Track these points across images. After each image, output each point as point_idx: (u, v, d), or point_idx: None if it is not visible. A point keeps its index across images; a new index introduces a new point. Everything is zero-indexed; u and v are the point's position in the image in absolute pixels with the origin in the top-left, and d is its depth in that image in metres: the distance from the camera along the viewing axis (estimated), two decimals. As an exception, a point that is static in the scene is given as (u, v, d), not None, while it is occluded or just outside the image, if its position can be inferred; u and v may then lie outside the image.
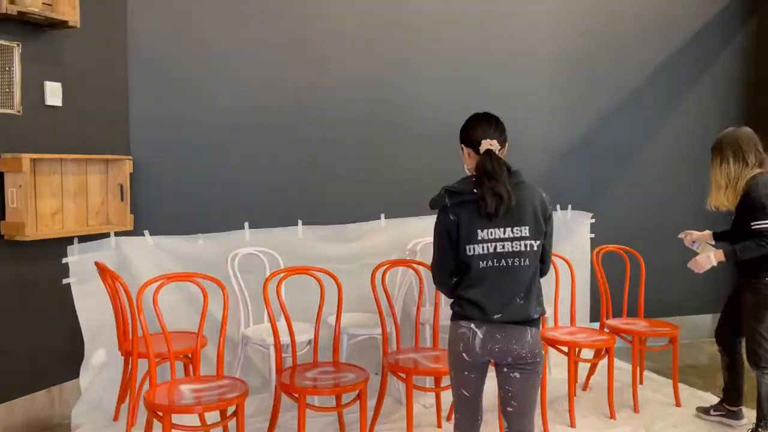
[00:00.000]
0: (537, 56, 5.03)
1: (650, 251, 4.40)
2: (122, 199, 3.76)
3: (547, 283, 4.26)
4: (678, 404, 3.95)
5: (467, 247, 2.23)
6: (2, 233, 3.31)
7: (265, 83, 4.25)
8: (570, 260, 4.21)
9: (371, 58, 4.55)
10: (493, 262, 2.22)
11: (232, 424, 2.95)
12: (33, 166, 3.34)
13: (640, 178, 5.39)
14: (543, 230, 2.30)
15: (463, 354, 2.30)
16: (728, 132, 3.44)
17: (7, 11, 3.11)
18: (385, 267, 3.62)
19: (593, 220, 5.17)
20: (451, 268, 2.32)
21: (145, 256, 3.88)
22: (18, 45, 3.31)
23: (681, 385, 4.06)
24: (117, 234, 3.82)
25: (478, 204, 2.19)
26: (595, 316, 4.84)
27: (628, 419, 3.76)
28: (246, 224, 4.20)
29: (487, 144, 2.30)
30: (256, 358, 4.09)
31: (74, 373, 3.67)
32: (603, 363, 4.02)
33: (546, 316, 4.11)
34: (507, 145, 2.39)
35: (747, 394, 3.72)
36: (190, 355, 3.40)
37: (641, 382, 4.22)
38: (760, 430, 3.39)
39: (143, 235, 3.91)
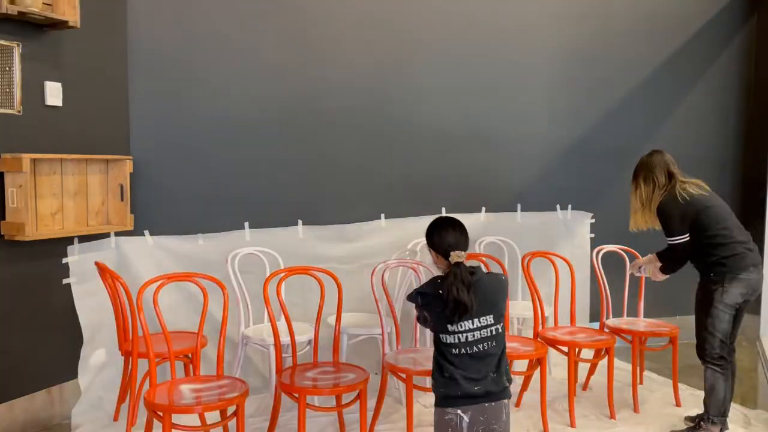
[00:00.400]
0: (537, 56, 5.03)
1: (650, 251, 4.39)
2: (122, 199, 3.76)
3: (547, 283, 4.30)
4: (678, 404, 3.95)
5: (441, 336, 2.46)
6: (2, 233, 3.31)
7: (265, 83, 4.25)
8: (570, 260, 4.21)
9: (372, 58, 4.55)
10: (466, 350, 2.44)
11: (232, 424, 2.95)
12: (33, 166, 3.34)
13: (640, 178, 5.38)
14: (503, 312, 2.53)
15: None
16: (641, 158, 3.66)
17: (7, 11, 3.11)
18: (385, 267, 3.62)
19: (593, 220, 5.17)
20: None
21: (145, 256, 3.88)
22: (18, 45, 3.31)
23: (681, 385, 4.06)
24: (117, 234, 3.82)
25: (445, 305, 2.42)
26: (595, 316, 4.84)
27: (628, 419, 3.76)
28: (246, 224, 4.20)
29: (456, 257, 2.46)
30: (256, 358, 4.09)
31: (74, 373, 3.67)
32: (603, 363, 4.02)
33: (547, 316, 4.15)
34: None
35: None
36: (190, 355, 3.40)
37: (641, 382, 4.22)
38: (702, 423, 3.41)
39: (143, 235, 3.91)
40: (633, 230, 3.68)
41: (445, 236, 2.52)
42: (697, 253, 3.39)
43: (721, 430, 3.39)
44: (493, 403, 2.46)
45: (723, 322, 3.31)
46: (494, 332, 2.48)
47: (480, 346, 2.46)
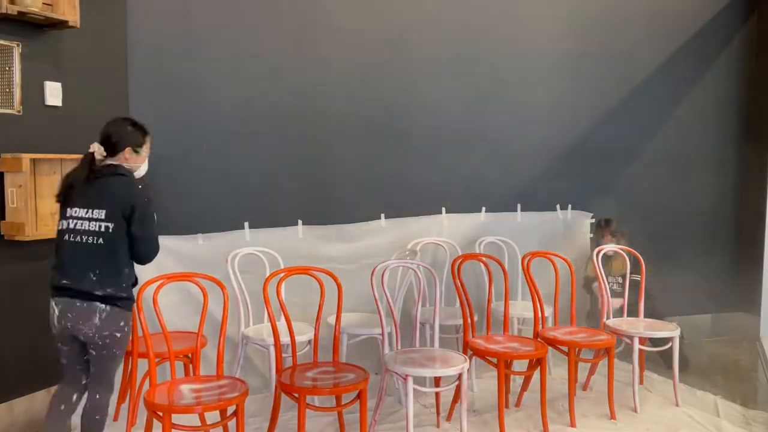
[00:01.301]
0: (537, 56, 5.03)
1: (650, 251, 4.40)
2: (122, 199, 3.75)
3: (547, 284, 4.30)
4: (678, 404, 3.95)
5: (60, 221, 2.78)
6: (2, 233, 3.31)
7: (265, 83, 4.24)
8: (570, 260, 4.21)
9: (371, 58, 4.54)
10: (72, 237, 2.73)
11: (232, 424, 2.95)
12: (33, 166, 3.33)
13: (640, 178, 5.39)
14: (123, 216, 2.72)
15: (51, 327, 2.80)
16: None
17: (7, 11, 3.11)
18: (385, 267, 3.61)
19: (593, 220, 5.17)
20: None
21: (145, 256, 3.87)
22: (18, 45, 3.31)
23: (681, 385, 4.06)
24: (117, 234, 3.81)
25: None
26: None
27: (628, 419, 3.76)
28: (246, 224, 4.20)
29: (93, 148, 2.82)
30: (256, 358, 4.09)
31: (74, 373, 3.66)
32: (603, 363, 4.02)
33: (547, 316, 4.15)
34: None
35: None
36: (190, 355, 3.40)
37: (641, 382, 4.22)
38: None
39: (143, 235, 3.90)
40: None
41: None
42: None
43: None
44: (85, 304, 2.67)
45: None
46: (104, 229, 2.68)
47: (87, 239, 2.66)
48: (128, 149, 2.85)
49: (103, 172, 2.78)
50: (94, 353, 2.76)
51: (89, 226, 2.71)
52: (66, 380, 2.88)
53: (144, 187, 2.82)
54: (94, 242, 2.71)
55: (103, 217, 2.70)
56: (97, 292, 2.69)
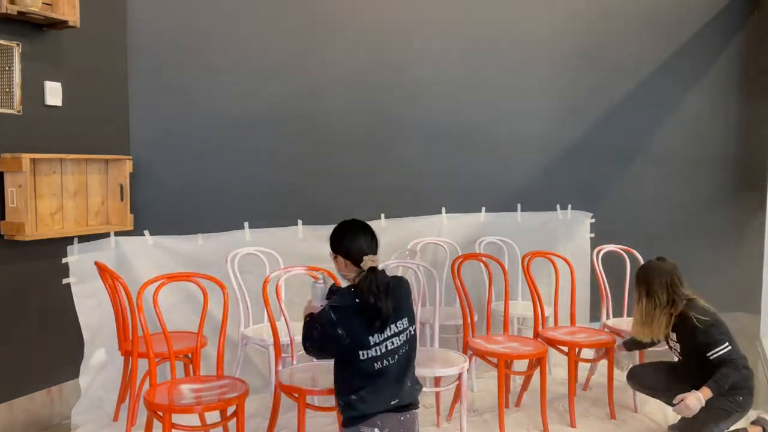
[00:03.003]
0: (537, 56, 5.03)
1: (650, 251, 4.39)
2: (122, 199, 3.76)
3: (547, 284, 4.30)
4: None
5: (360, 352, 2.35)
6: (2, 233, 3.31)
7: (265, 83, 4.24)
8: (570, 260, 4.21)
9: (372, 57, 4.55)
10: (388, 360, 2.38)
11: (232, 424, 2.95)
12: (33, 166, 3.34)
13: (640, 178, 5.39)
14: (413, 312, 2.49)
15: None
16: (646, 265, 3.43)
17: (7, 11, 3.11)
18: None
19: (593, 220, 5.17)
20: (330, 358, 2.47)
21: (145, 256, 3.88)
22: (18, 45, 3.31)
23: (681, 385, 4.06)
24: (117, 234, 3.82)
25: (364, 315, 2.33)
26: (595, 316, 4.84)
27: (628, 419, 3.76)
28: (246, 224, 4.20)
29: (369, 261, 2.38)
30: (256, 357, 4.09)
31: (74, 373, 3.67)
32: (603, 363, 4.02)
33: (547, 316, 4.15)
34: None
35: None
36: (190, 355, 3.40)
37: (641, 382, 4.22)
38: None
39: (143, 234, 3.91)
40: (645, 340, 3.43)
41: (357, 241, 2.42)
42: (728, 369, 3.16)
43: None
44: (408, 415, 2.41)
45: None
46: (410, 335, 2.40)
47: (400, 353, 2.38)
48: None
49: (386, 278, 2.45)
50: None
51: (398, 340, 2.42)
52: None
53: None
54: (405, 351, 2.45)
55: (406, 324, 2.45)
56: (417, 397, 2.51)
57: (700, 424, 3.20)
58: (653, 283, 3.30)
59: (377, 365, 2.34)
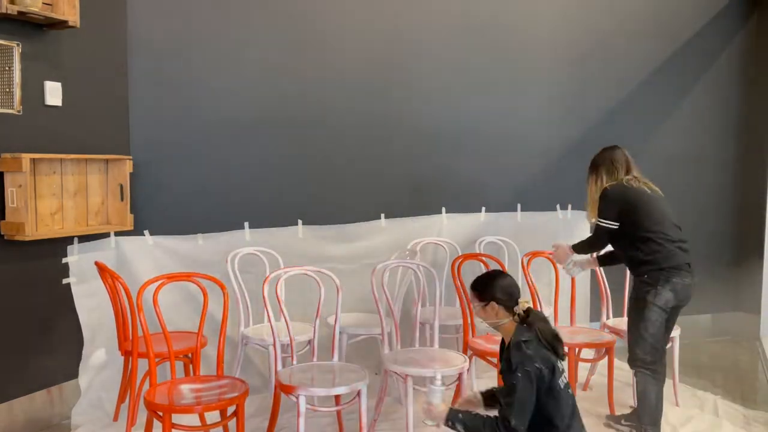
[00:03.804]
0: (537, 57, 5.03)
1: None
2: (122, 199, 3.76)
3: (547, 284, 4.30)
4: (677, 404, 3.95)
5: (559, 381, 2.30)
6: (2, 233, 3.31)
7: (265, 83, 4.24)
8: (570, 260, 4.20)
9: (372, 58, 4.54)
10: (573, 399, 2.35)
11: (232, 424, 2.95)
12: (33, 166, 3.34)
13: (640, 178, 5.38)
14: None
15: None
16: (602, 151, 3.62)
17: (7, 11, 3.11)
18: (385, 267, 3.61)
19: (593, 220, 5.16)
20: None
21: (145, 256, 3.88)
22: (18, 45, 3.31)
23: (681, 385, 4.06)
24: (117, 234, 3.82)
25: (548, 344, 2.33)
26: (595, 316, 4.84)
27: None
28: (246, 224, 4.20)
29: (525, 303, 2.38)
30: (256, 358, 4.09)
31: (74, 373, 3.67)
32: (603, 363, 4.01)
33: (547, 316, 4.14)
34: None
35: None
36: (190, 355, 3.40)
37: (641, 382, 4.22)
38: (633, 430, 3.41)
39: (143, 235, 3.91)
40: (591, 221, 3.61)
41: (508, 285, 2.40)
42: (630, 250, 3.35)
43: None
44: None
45: (655, 325, 3.24)
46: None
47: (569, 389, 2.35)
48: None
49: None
50: None
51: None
52: None
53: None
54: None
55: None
56: None
57: (631, 323, 3.35)
58: (616, 161, 3.53)
59: (566, 411, 2.26)
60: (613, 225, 3.35)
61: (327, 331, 3.69)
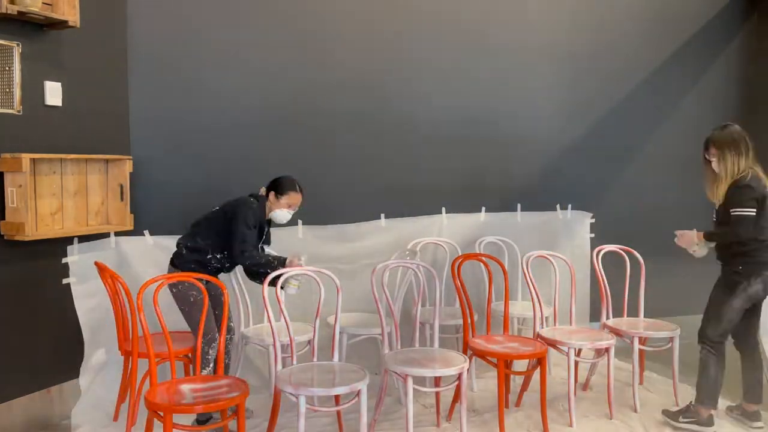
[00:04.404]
0: (537, 57, 5.03)
1: (650, 251, 4.40)
2: (122, 199, 3.76)
3: (547, 284, 4.30)
4: (678, 404, 3.95)
5: None
6: (2, 233, 3.31)
7: (264, 83, 4.25)
8: (570, 260, 4.21)
9: (371, 57, 4.55)
10: None
11: (232, 424, 2.95)
12: (33, 166, 3.34)
13: (640, 178, 5.39)
14: None
15: None
16: (730, 129, 3.64)
17: (7, 11, 3.11)
18: (385, 267, 3.61)
19: (593, 220, 5.17)
20: None
21: (145, 256, 3.88)
22: (18, 45, 3.31)
23: (681, 385, 4.06)
24: (117, 234, 3.82)
25: None
26: (595, 316, 4.84)
27: (628, 419, 3.76)
28: (246, 224, 4.19)
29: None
30: (256, 358, 4.09)
31: (74, 373, 3.67)
32: (603, 363, 4.02)
33: (547, 316, 4.15)
34: None
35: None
36: (190, 355, 3.40)
37: (641, 382, 4.22)
38: (692, 405, 3.55)
39: (143, 234, 3.91)
40: (714, 201, 3.53)
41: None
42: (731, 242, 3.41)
43: (710, 415, 3.49)
44: None
45: (735, 313, 3.40)
46: None
47: None
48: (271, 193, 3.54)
49: None
50: None
51: None
52: None
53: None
54: None
55: None
56: None
57: (713, 304, 3.48)
58: (742, 142, 3.51)
59: None
60: (752, 212, 3.33)
61: (327, 331, 3.69)
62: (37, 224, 3.39)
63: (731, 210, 3.36)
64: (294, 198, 3.58)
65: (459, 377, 3.29)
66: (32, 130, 3.41)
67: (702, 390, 3.50)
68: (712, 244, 3.63)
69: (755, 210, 3.33)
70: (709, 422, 3.50)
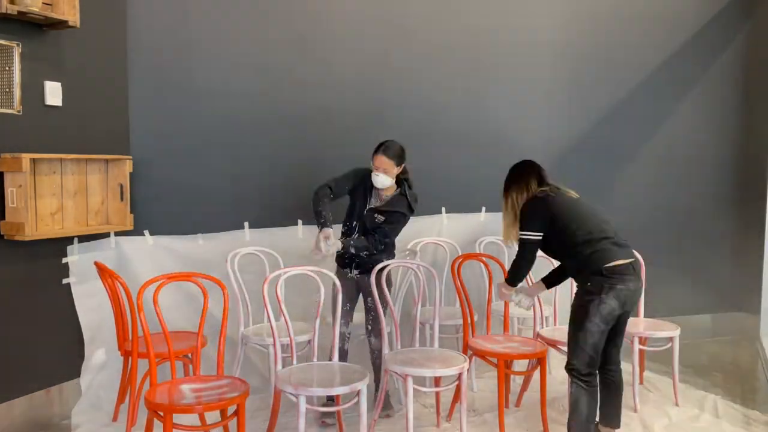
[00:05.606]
0: (537, 57, 5.03)
1: (650, 251, 4.40)
2: (122, 199, 3.76)
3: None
4: (677, 404, 3.95)
5: None
6: (2, 233, 3.31)
7: (264, 83, 4.25)
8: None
9: (370, 57, 4.55)
10: None
11: (232, 424, 2.95)
12: (33, 166, 3.34)
13: (639, 178, 5.39)
14: None
15: None
16: (511, 170, 3.48)
17: (7, 11, 3.11)
18: (385, 267, 3.61)
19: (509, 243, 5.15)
20: None
21: (145, 255, 3.88)
22: (18, 45, 3.31)
23: (681, 385, 4.06)
24: (117, 234, 3.82)
25: None
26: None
27: (627, 419, 3.75)
28: (246, 224, 4.20)
29: None
30: (256, 358, 4.09)
31: (74, 373, 3.67)
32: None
33: (547, 316, 4.15)
34: None
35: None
36: (190, 355, 3.40)
37: (641, 382, 4.22)
38: None
39: (143, 234, 3.91)
40: (508, 244, 3.45)
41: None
42: (566, 258, 3.25)
43: None
44: None
45: (594, 336, 3.05)
46: None
47: None
48: None
49: None
50: None
51: None
52: None
53: None
54: None
55: None
56: None
57: (571, 332, 3.15)
58: (528, 176, 3.37)
59: None
60: (537, 235, 3.18)
61: (326, 331, 3.69)
62: (37, 224, 3.39)
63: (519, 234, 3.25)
64: (376, 160, 3.69)
65: (459, 377, 3.29)
66: (32, 130, 3.41)
67: (574, 426, 3.16)
68: (524, 284, 3.50)
69: (538, 233, 3.18)
70: None
